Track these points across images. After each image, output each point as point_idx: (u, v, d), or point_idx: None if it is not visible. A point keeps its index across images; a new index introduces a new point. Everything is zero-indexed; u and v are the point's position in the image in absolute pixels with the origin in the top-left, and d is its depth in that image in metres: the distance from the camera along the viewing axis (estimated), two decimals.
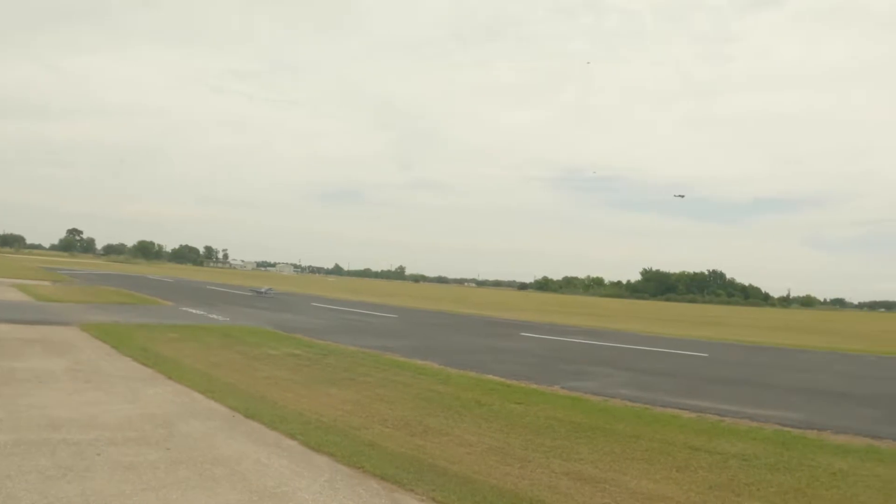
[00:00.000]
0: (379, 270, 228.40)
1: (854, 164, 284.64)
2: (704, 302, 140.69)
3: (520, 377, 14.45)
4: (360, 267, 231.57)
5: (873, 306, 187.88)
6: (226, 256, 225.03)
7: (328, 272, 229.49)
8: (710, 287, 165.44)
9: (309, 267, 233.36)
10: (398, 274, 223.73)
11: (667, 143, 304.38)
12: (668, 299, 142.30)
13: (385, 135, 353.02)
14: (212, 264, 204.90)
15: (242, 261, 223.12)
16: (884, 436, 10.10)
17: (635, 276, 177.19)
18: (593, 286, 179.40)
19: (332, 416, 9.62)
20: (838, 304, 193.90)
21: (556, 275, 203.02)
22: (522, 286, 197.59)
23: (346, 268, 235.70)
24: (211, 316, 25.80)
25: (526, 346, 22.73)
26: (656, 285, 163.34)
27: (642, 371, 17.35)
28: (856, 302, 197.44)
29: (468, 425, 9.62)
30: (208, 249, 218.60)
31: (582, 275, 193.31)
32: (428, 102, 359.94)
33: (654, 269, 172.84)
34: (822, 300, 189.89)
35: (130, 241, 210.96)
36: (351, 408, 10.24)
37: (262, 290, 48.27)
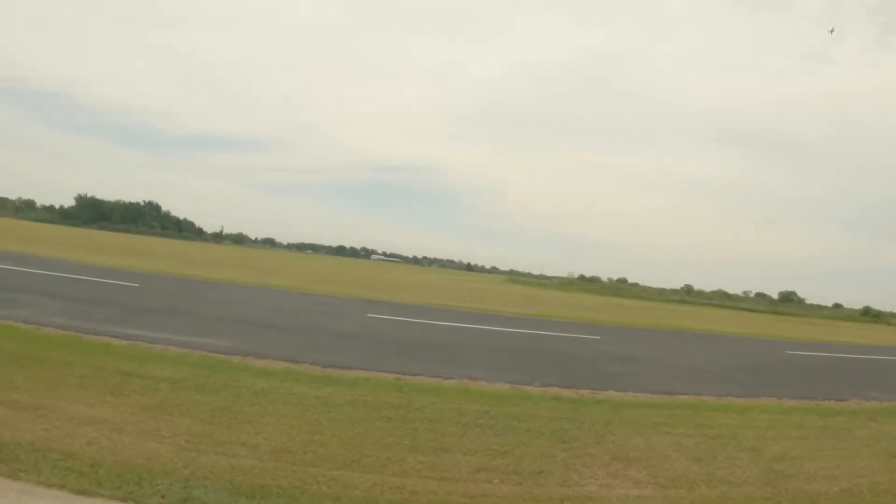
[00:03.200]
0: None
1: (295, 115, 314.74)
2: (138, 233, 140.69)
3: None
4: None
5: (301, 247, 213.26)
6: None
7: None
8: (145, 219, 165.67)
9: None
10: None
11: (119, 66, 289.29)
12: (102, 228, 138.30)
13: None
14: None
15: None
16: (301, 360, 12.11)
17: (69, 202, 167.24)
18: (24, 209, 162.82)
19: None
20: (269, 243, 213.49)
21: None
22: None
23: None
24: None
25: None
26: (91, 212, 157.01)
27: (74, 299, 17.43)
28: (285, 243, 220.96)
29: None
30: None
31: (12, 196, 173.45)
32: None
33: (89, 195, 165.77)
34: (253, 238, 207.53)
35: None
36: None
37: None
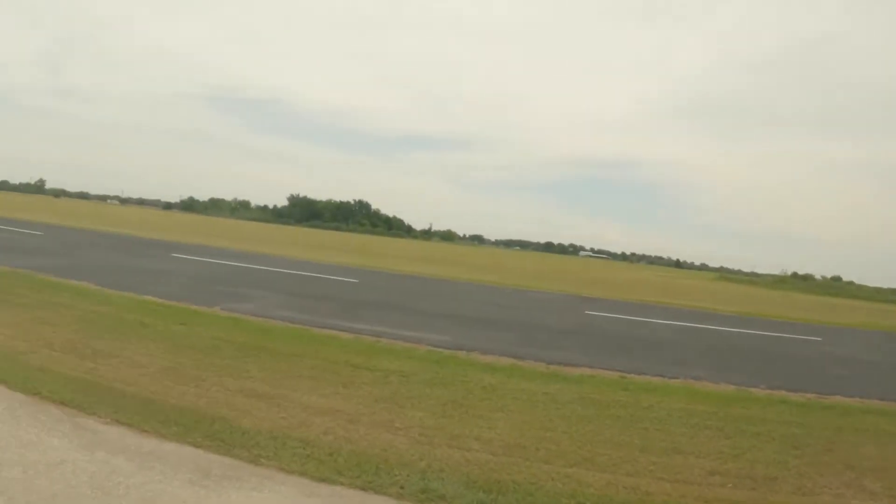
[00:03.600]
0: (17, 183, 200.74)
1: (499, 113, 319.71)
2: (349, 230, 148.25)
3: (179, 298, 14.67)
4: None
5: (509, 244, 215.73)
6: None
7: None
8: (355, 217, 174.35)
9: None
10: (37, 188, 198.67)
11: (327, 71, 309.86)
12: (313, 226, 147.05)
13: (36, 31, 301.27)
14: None
15: None
16: (526, 356, 12.08)
17: (282, 202, 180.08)
18: (240, 209, 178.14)
19: None
20: (477, 240, 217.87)
21: (203, 196, 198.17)
22: (168, 206, 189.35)
23: None
24: None
25: (180, 268, 22.68)
26: (302, 211, 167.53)
27: (298, 294, 18.49)
28: (493, 239, 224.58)
29: (136, 347, 9.82)
30: None
31: (229, 197, 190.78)
32: (84, 5, 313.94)
33: (301, 195, 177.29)
34: (462, 235, 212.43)
35: None
36: (12, 332, 9.92)
37: None
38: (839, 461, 7.97)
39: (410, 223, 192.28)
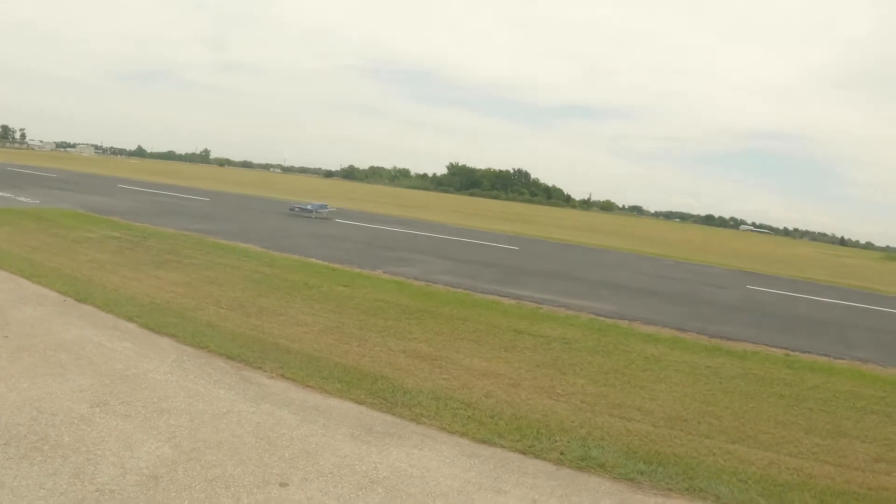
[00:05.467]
0: (183, 153, 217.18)
1: (661, 82, 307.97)
2: (508, 199, 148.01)
3: (342, 261, 15.31)
4: (164, 149, 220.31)
5: (669, 216, 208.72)
6: (23, 136, 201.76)
7: (130, 154, 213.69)
8: (514, 185, 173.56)
9: (111, 148, 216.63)
10: (203, 157, 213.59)
11: (484, 41, 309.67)
12: (472, 194, 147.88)
13: (199, 12, 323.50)
14: (7, 145, 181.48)
15: (41, 141, 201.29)
16: (688, 329, 11.88)
17: (441, 170, 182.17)
18: (399, 177, 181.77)
19: (164, 298, 9.92)
20: (636, 210, 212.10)
21: (363, 164, 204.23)
22: (328, 174, 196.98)
23: (149, 150, 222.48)
24: (19, 199, 24.07)
25: (343, 233, 23.53)
26: (462, 180, 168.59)
27: (459, 260, 18.85)
28: (652, 210, 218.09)
29: (301, 306, 10.32)
30: (4, 129, 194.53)
31: (388, 165, 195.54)
32: None
33: (460, 164, 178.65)
34: (620, 206, 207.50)
35: None
36: (182, 290, 10.61)
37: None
38: None
39: (569, 192, 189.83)
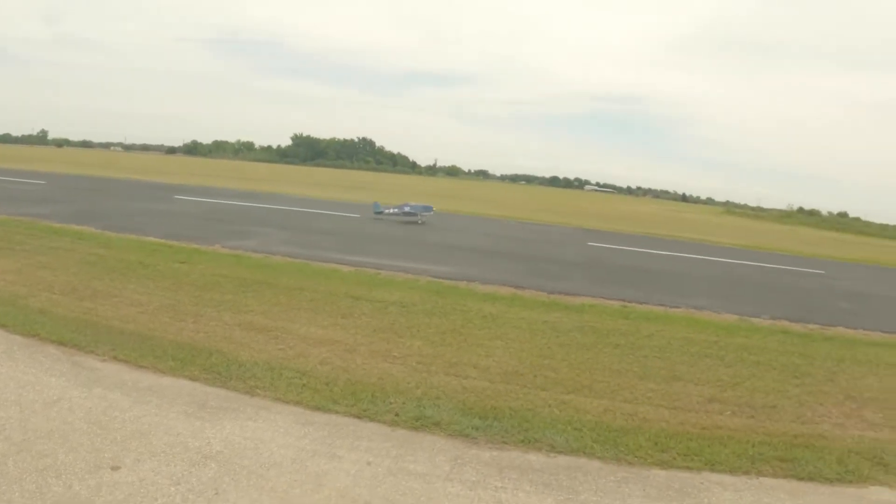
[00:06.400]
0: (19, 135, 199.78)
1: (505, 48, 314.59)
2: (354, 168, 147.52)
3: (180, 238, 14.69)
4: None
5: (515, 179, 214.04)
6: None
7: None
8: (359, 154, 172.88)
9: None
10: (40, 138, 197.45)
11: (329, 9, 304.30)
12: (318, 164, 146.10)
13: None
14: None
15: None
16: (527, 286, 12.05)
17: (286, 142, 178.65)
18: (243, 150, 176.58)
19: None
20: (482, 175, 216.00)
21: (206, 139, 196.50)
22: (171, 150, 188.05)
23: None
24: None
25: (183, 209, 22.67)
26: (307, 150, 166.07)
27: (300, 230, 18.46)
28: (498, 174, 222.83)
29: (136, 286, 9.85)
30: None
31: (232, 139, 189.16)
32: None
33: (304, 134, 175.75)
34: (466, 171, 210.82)
35: None
36: (13, 277, 9.96)
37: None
38: (840, 391, 8.00)
39: (415, 160, 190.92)
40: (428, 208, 25.85)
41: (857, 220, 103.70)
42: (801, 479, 5.63)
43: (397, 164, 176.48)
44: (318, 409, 5.80)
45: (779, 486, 5.44)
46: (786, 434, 6.47)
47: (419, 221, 24.51)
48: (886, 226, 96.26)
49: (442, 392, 6.38)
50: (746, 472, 5.59)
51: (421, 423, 5.67)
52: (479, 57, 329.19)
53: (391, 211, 25.14)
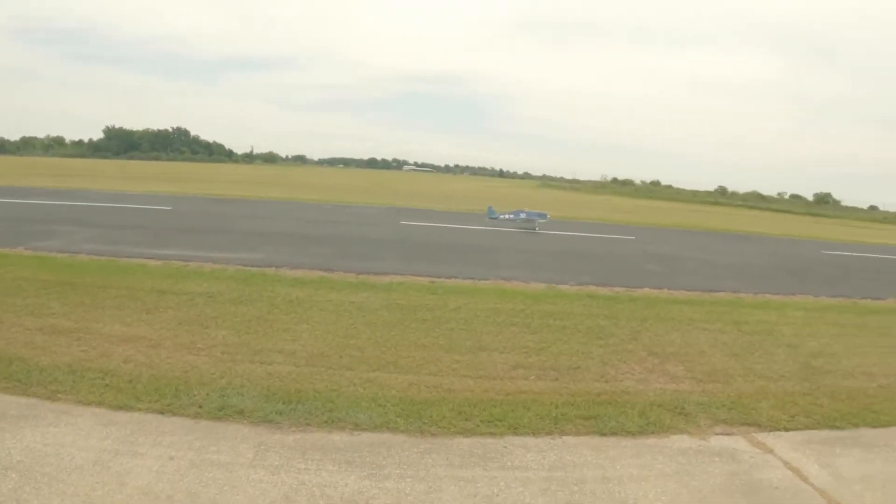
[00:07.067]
0: None
1: (322, 32, 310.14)
2: (169, 159, 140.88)
3: None
4: None
5: (333, 162, 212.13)
6: None
7: None
8: (174, 145, 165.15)
9: None
10: None
11: None
12: (131, 157, 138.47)
13: None
14: None
15: None
16: (336, 268, 12.18)
17: (98, 135, 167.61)
18: (54, 146, 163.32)
19: None
20: (300, 160, 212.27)
21: (12, 135, 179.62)
22: None
23: None
24: None
25: None
26: (120, 143, 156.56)
27: (108, 226, 17.52)
28: (316, 158, 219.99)
29: None
30: None
31: (41, 134, 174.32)
32: None
33: (117, 126, 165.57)
34: (284, 157, 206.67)
35: None
36: None
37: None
38: (643, 348, 8.59)
39: (231, 148, 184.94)
40: (543, 215, 25.46)
41: (669, 187, 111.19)
42: (603, 434, 5.98)
43: (213, 153, 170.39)
44: (120, 408, 5.69)
45: (582, 443, 5.74)
46: (589, 393, 6.87)
47: (536, 229, 24.18)
48: (696, 191, 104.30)
49: (246, 380, 6.39)
50: (549, 433, 5.87)
51: (224, 412, 5.67)
52: (296, 41, 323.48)
53: (507, 217, 25.15)
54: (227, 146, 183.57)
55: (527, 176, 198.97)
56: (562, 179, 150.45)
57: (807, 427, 6.67)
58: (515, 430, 5.85)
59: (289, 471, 4.83)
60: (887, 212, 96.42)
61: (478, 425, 5.86)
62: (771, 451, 5.96)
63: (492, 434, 5.74)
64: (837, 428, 6.73)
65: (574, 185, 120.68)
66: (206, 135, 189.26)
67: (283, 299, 9.61)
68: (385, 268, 12.71)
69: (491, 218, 25.42)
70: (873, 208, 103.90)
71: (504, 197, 52.33)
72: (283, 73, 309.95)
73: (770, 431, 6.45)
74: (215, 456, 4.97)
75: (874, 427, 6.85)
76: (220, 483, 4.60)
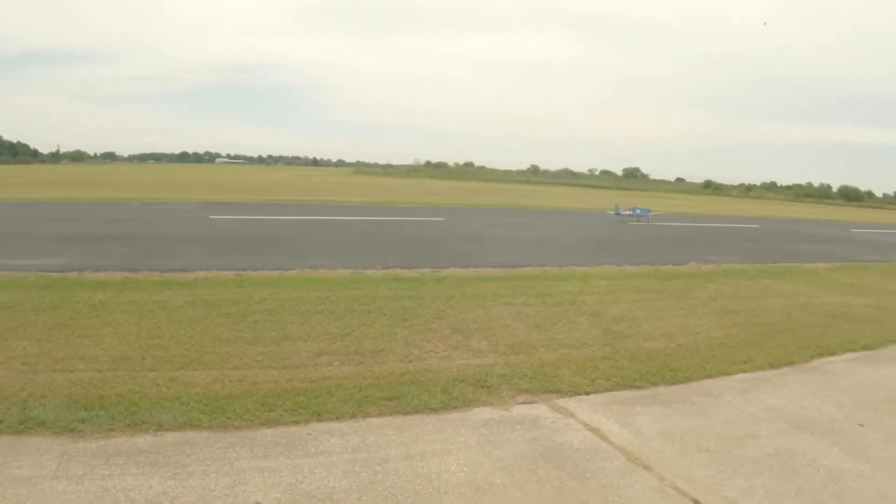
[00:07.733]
0: None
1: (125, 23, 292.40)
2: None
3: None
4: None
5: (143, 158, 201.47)
6: None
7: None
8: None
9: None
10: None
11: None
12: None
13: None
14: None
15: None
16: (140, 268, 11.98)
17: None
18: None
19: None
20: (109, 157, 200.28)
21: None
22: None
23: None
24: None
25: None
26: None
27: None
28: (126, 155, 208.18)
29: None
30: None
31: None
32: None
33: None
34: (92, 154, 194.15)
35: None
36: None
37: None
38: (447, 326, 9.00)
39: (37, 147, 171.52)
40: (647, 211, 31.35)
41: (483, 168, 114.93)
42: (406, 413, 6.26)
43: (18, 153, 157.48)
44: None
45: (385, 424, 5.99)
46: (392, 374, 7.17)
47: (648, 222, 29.39)
48: (509, 171, 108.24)
49: (48, 390, 6.22)
50: (353, 416, 6.08)
51: (26, 425, 5.52)
52: (104, 32, 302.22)
53: (628, 213, 30.41)
54: (32, 146, 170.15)
55: (341, 163, 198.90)
56: (375, 165, 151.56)
57: (607, 389, 7.25)
58: (319, 417, 6.04)
59: (92, 478, 4.78)
60: (693, 183, 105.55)
61: (282, 415, 6.01)
62: (572, 415, 6.44)
63: (296, 422, 5.91)
64: (637, 388, 7.37)
65: (387, 169, 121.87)
66: (9, 134, 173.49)
67: (85, 304, 9.35)
68: (191, 264, 12.60)
69: (617, 214, 30.52)
70: (680, 180, 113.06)
71: (317, 185, 52.30)
72: (90, 67, 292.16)
73: (571, 396, 6.96)
74: (17, 471, 4.85)
75: (672, 384, 7.55)
76: (22, 498, 4.50)
